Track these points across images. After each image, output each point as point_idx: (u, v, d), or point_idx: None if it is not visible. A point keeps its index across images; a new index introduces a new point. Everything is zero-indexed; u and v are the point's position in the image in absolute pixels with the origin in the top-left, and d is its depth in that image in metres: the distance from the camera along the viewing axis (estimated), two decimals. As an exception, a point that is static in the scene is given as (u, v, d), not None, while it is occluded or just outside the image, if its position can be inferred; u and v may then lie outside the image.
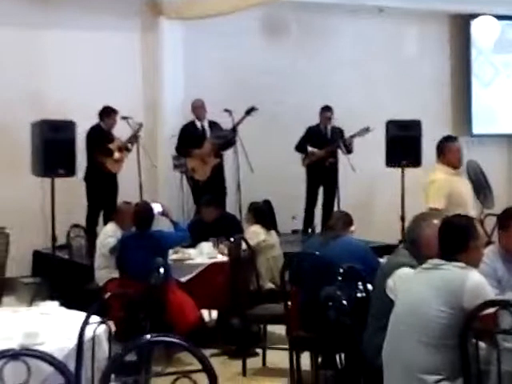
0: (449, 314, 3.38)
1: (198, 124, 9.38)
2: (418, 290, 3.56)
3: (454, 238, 3.59)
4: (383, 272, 4.14)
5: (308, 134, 9.62)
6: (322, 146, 9.50)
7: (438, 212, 5.07)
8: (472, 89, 11.35)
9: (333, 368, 3.42)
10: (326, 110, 9.61)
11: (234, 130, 9.16)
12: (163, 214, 6.76)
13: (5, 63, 9.15)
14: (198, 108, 9.35)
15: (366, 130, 9.14)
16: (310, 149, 9.47)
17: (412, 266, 3.88)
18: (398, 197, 9.26)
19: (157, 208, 6.66)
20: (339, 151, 9.47)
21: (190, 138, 9.25)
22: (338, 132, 9.52)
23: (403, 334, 3.51)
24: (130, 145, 8.99)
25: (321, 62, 10.58)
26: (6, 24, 9.11)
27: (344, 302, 3.31)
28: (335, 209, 9.19)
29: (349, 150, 9.34)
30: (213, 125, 9.35)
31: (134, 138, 8.93)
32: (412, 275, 3.71)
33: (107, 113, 8.93)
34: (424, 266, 3.64)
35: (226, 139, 9.20)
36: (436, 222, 3.90)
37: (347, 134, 9.40)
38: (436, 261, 3.58)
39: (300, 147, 9.60)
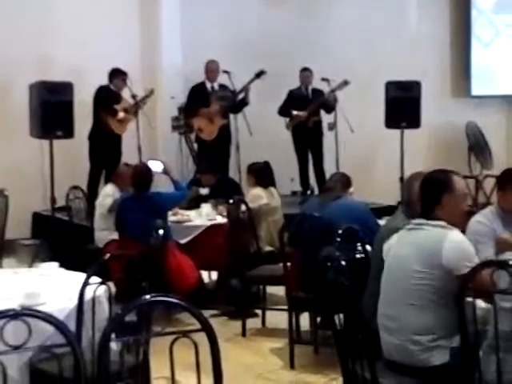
0: (430, 274, 3.38)
1: (208, 85, 9.31)
2: (401, 252, 3.57)
3: (429, 193, 3.58)
4: (381, 235, 4.15)
5: (290, 97, 9.57)
6: (304, 108, 9.45)
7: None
8: (472, 49, 11.27)
9: (331, 328, 3.43)
10: (305, 70, 9.57)
11: (244, 88, 9.06)
12: (165, 172, 6.75)
13: (4, 24, 9.09)
14: (211, 70, 9.23)
15: (345, 83, 9.09)
16: (294, 112, 9.44)
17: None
18: (398, 158, 9.25)
19: (158, 166, 6.65)
20: (322, 112, 9.44)
21: (198, 99, 9.19)
22: (319, 92, 9.48)
23: (393, 297, 3.53)
24: (142, 104, 8.91)
25: (321, 24, 10.49)
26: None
27: (343, 262, 3.31)
28: (334, 170, 9.19)
29: (331, 107, 9.29)
30: (222, 87, 9.28)
31: (142, 104, 8.87)
32: (398, 237, 3.70)
33: (116, 74, 8.89)
34: (407, 226, 3.63)
35: (230, 101, 9.15)
36: None
37: (348, 96, 9.34)
38: (417, 220, 3.58)
39: (283, 111, 9.57)
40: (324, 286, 3.42)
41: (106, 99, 8.81)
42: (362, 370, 3.30)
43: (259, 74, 9.01)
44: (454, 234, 3.45)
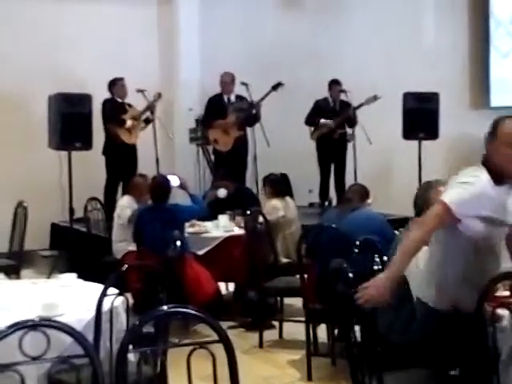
0: None
1: (225, 97, 9.34)
2: None
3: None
4: (396, 245, 4.13)
5: (316, 107, 9.56)
6: (331, 119, 9.45)
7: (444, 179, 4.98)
8: (490, 60, 11.23)
9: (344, 340, 3.42)
10: (336, 83, 9.54)
11: (256, 104, 9.09)
12: (181, 186, 6.77)
13: (26, 36, 9.17)
14: (226, 82, 9.27)
15: (374, 98, 9.08)
16: (322, 120, 9.43)
17: None
18: (415, 169, 9.22)
19: (175, 181, 6.67)
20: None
21: (215, 111, 9.22)
22: (346, 105, 9.48)
23: None
24: (150, 115, 8.97)
25: (338, 34, 10.51)
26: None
27: (350, 274, 3.30)
28: (352, 181, 9.18)
29: (353, 123, 9.29)
30: (239, 99, 9.31)
31: (153, 107, 8.90)
32: None
33: (113, 83, 8.94)
34: None
35: (247, 113, 9.16)
36: (442, 188, 3.79)
37: (366, 107, 9.34)
38: None
39: (309, 120, 9.56)
40: (333, 298, 3.42)
41: (111, 110, 8.85)
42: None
43: (276, 86, 9.01)
44: None
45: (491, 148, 3.38)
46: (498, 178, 3.35)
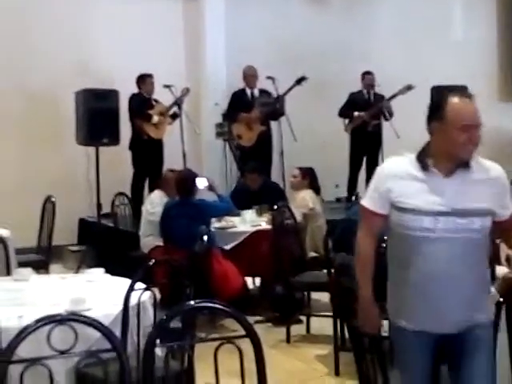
0: None
1: (248, 91, 9.33)
2: None
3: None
4: None
5: (351, 99, 9.53)
6: (365, 111, 9.42)
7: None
8: (519, 53, 11.12)
9: (349, 333, 3.41)
10: (368, 74, 9.52)
11: (280, 98, 9.08)
12: (210, 188, 6.79)
13: (52, 33, 9.23)
14: (249, 76, 9.29)
15: (408, 88, 9.01)
16: (356, 113, 9.39)
17: None
18: (443, 164, 9.13)
19: (203, 183, 6.69)
20: (382, 117, 9.40)
21: (239, 105, 9.22)
22: (381, 98, 9.43)
23: None
24: (177, 110, 8.99)
25: (364, 28, 10.45)
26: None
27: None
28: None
29: (390, 114, 9.24)
30: (263, 93, 9.30)
31: (180, 103, 8.92)
32: None
33: (141, 78, 8.96)
34: None
35: (272, 107, 9.15)
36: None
37: (394, 101, 9.28)
38: None
39: (343, 113, 9.53)
40: (339, 291, 3.41)
41: (138, 106, 8.87)
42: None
43: (300, 80, 8.97)
44: None
45: (438, 131, 3.07)
46: (426, 163, 3.07)
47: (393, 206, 3.03)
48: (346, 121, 9.54)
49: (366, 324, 3.14)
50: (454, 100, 3.00)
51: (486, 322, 3.04)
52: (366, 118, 9.34)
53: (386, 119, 9.35)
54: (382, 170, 3.17)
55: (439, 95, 3.13)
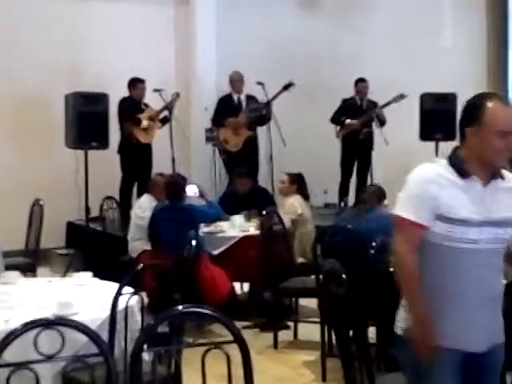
0: None
1: (235, 97, 9.34)
2: None
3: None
4: None
5: (343, 106, 9.54)
6: (357, 118, 9.43)
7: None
8: (509, 60, 11.15)
9: (363, 341, 3.41)
10: (361, 81, 9.53)
11: (268, 104, 9.10)
12: (201, 195, 6.80)
13: (43, 36, 9.21)
14: (235, 81, 9.30)
15: (401, 96, 9.03)
16: (348, 121, 9.39)
17: None
18: (432, 170, 9.16)
19: (193, 190, 6.70)
20: (373, 124, 9.42)
21: (225, 111, 9.23)
22: (374, 104, 9.45)
23: None
24: (168, 114, 8.98)
25: (356, 33, 10.47)
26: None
27: (343, 275, 3.28)
28: (368, 182, 9.14)
29: (382, 122, 9.26)
30: (250, 98, 9.30)
31: (170, 107, 8.91)
32: None
33: (133, 83, 8.95)
34: None
35: (260, 113, 9.16)
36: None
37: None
38: None
39: (335, 119, 9.53)
40: (327, 297, 3.40)
41: (128, 110, 8.85)
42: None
43: (287, 86, 8.96)
44: None
45: (473, 136, 2.87)
46: (466, 170, 2.87)
47: (438, 216, 2.83)
48: (338, 127, 9.55)
49: (424, 344, 2.83)
50: (492, 104, 2.81)
51: (501, 342, 2.97)
52: (357, 126, 9.34)
53: (377, 125, 9.36)
54: (419, 176, 2.94)
55: (475, 98, 2.90)
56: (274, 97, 9.05)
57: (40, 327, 2.54)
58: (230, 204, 7.37)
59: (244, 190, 7.64)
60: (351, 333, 3.39)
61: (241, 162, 8.71)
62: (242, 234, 6.78)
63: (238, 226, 6.95)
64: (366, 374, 3.25)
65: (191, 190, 6.66)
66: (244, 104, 9.33)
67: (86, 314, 3.69)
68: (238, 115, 9.19)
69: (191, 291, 4.41)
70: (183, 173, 7.55)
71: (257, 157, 9.35)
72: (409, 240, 2.88)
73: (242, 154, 9.13)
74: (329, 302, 3.49)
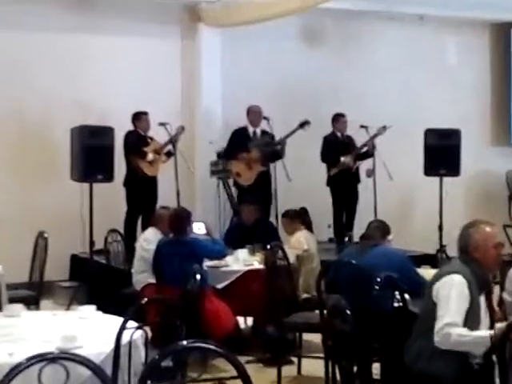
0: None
1: (251, 130, 9.36)
2: None
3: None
4: (432, 279, 4.12)
5: (328, 143, 9.52)
6: (344, 154, 9.40)
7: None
8: (512, 98, 11.22)
9: (367, 377, 3.40)
10: (341, 116, 9.54)
11: (282, 140, 9.07)
12: (208, 233, 6.79)
13: (47, 68, 9.27)
14: (254, 114, 9.29)
15: (383, 128, 9.08)
16: (342, 158, 9.37)
17: (458, 272, 3.84)
18: (436, 206, 9.17)
19: (200, 227, 6.70)
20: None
21: (239, 144, 9.24)
22: (351, 138, 9.48)
23: None
24: (172, 148, 9.02)
25: (360, 70, 10.54)
26: (49, 28, 9.24)
27: (348, 311, 3.29)
28: (372, 218, 9.13)
29: (370, 155, 9.27)
30: (265, 134, 9.29)
31: (174, 141, 8.96)
32: None
33: (137, 116, 9.01)
34: None
35: (272, 148, 9.14)
36: (483, 226, 3.90)
37: (387, 143, 9.31)
38: None
39: (328, 158, 9.47)
40: (331, 333, 3.41)
41: (134, 143, 8.90)
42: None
43: (303, 124, 8.96)
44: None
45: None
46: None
47: None
48: (330, 165, 9.48)
49: None
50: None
51: None
52: (351, 162, 9.35)
53: (370, 155, 9.35)
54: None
55: None
56: (289, 134, 9.04)
57: (44, 361, 2.53)
58: (235, 236, 7.37)
59: (250, 220, 7.62)
60: (355, 368, 3.38)
61: (253, 195, 8.68)
62: (245, 268, 6.76)
63: (242, 260, 6.93)
64: None
65: (197, 228, 6.67)
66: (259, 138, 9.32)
67: (90, 347, 3.68)
68: (250, 149, 9.18)
69: (195, 325, 4.39)
70: (188, 206, 7.56)
71: (270, 193, 9.28)
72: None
73: (253, 188, 9.10)
74: (333, 338, 3.49)
